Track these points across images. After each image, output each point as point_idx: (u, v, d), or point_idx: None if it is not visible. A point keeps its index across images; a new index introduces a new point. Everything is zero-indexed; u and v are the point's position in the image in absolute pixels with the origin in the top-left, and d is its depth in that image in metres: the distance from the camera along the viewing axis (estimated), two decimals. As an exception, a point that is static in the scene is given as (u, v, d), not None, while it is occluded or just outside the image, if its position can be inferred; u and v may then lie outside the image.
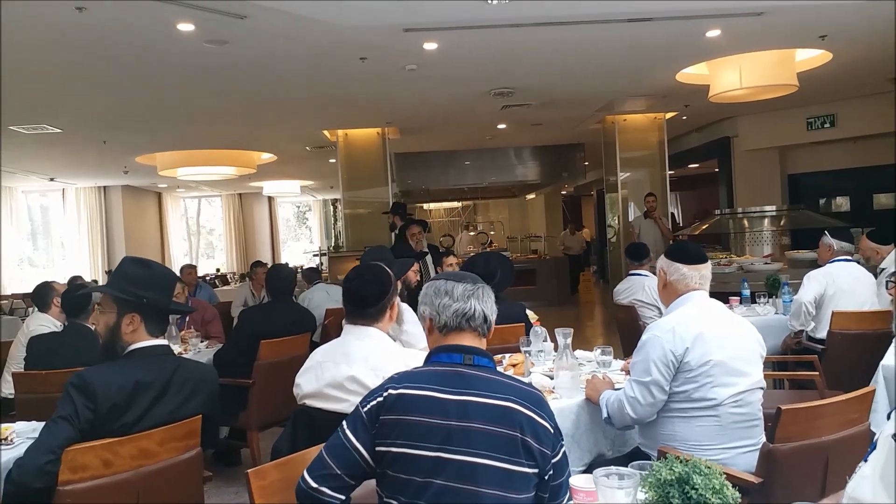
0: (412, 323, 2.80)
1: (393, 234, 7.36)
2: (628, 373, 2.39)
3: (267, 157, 10.21)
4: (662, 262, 2.35)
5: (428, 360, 1.60)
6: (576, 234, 16.16)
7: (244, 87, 5.97)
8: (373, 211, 8.78)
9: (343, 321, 2.23)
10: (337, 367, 2.10)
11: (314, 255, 10.66)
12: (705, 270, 2.30)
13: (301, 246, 19.68)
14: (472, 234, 15.57)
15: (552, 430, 1.48)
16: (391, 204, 8.04)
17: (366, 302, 2.15)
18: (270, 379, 3.64)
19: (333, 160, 9.49)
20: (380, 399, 1.50)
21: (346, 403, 2.03)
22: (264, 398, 3.67)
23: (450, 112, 7.73)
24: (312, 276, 6.09)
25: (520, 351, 3.08)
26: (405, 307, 2.66)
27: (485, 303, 1.62)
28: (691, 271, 2.29)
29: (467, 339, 1.60)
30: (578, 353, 3.06)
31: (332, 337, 2.80)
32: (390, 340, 2.19)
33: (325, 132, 8.59)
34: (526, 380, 2.69)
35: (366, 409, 1.50)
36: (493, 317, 1.64)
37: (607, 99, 7.59)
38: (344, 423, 1.50)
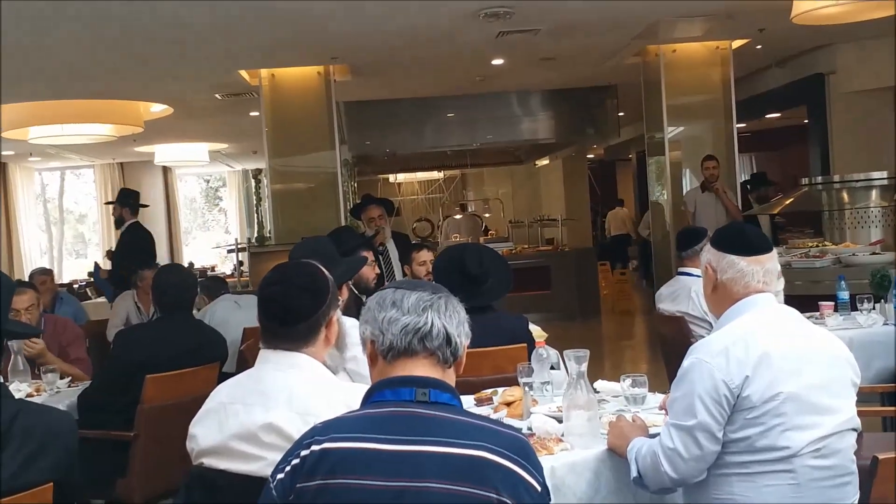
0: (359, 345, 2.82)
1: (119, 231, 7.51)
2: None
3: (159, 109, 10.15)
4: (709, 254, 2.38)
5: (366, 401, 1.63)
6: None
7: (121, 6, 5.93)
8: (315, 186, 8.79)
9: (260, 345, 2.24)
10: (249, 410, 2.10)
11: (230, 251, 10.63)
12: (770, 263, 2.32)
13: (213, 237, 19.63)
14: (458, 217, 15.61)
15: (539, 489, 1.50)
16: (119, 192, 8.14)
17: (291, 317, 2.15)
18: (161, 430, 3.65)
19: (255, 113, 9.45)
20: (295, 462, 1.52)
21: (262, 462, 2.04)
22: (152, 458, 3.67)
23: (422, 42, 7.73)
24: (216, 287, 6.13)
25: (518, 384, 3.11)
26: (350, 324, 2.66)
27: (448, 317, 1.66)
28: (751, 265, 2.31)
29: (421, 368, 1.63)
30: (600, 384, 3.09)
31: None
32: (327, 373, 2.20)
33: (243, 73, 8.54)
34: (523, 422, 2.72)
35: (276, 480, 1.53)
36: (461, 339, 1.68)
37: (649, 20, 7.62)
38: None
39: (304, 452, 1.52)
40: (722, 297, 2.35)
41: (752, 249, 2.32)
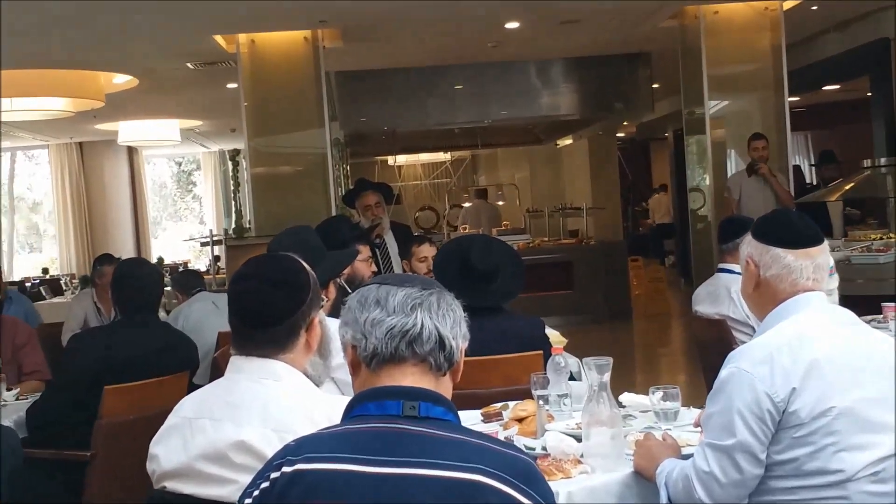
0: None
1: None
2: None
3: (122, 81, 10.17)
4: (750, 247, 2.37)
5: (346, 416, 1.63)
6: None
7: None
8: (302, 169, 8.80)
9: (231, 351, 2.24)
10: (217, 427, 2.11)
11: (204, 244, 10.64)
12: (821, 257, 2.32)
13: (185, 229, 19.70)
14: (468, 205, 15.61)
15: None
16: None
17: (266, 318, 2.16)
18: (121, 449, 3.65)
19: (233, 85, 9.46)
20: (265, 485, 1.52)
21: (232, 486, 2.05)
22: (111, 481, 3.67)
23: (426, 1, 7.71)
24: (190, 282, 6.12)
25: (532, 397, 3.10)
26: (337, 327, 2.65)
27: (440, 317, 1.65)
28: (799, 260, 2.30)
29: (411, 377, 1.63)
30: (626, 397, 3.09)
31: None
32: (308, 383, 2.21)
33: (219, 38, 8.55)
34: (536, 441, 2.72)
35: None
36: (457, 341, 1.67)
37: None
38: None
39: (274, 475, 1.52)
40: (765, 296, 2.34)
41: (800, 241, 2.32)
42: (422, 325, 1.63)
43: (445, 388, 1.67)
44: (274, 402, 2.09)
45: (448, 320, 1.66)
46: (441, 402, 1.60)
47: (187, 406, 2.20)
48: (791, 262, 2.31)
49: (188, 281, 6.23)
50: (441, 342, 1.64)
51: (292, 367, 2.17)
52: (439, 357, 1.64)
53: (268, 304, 2.15)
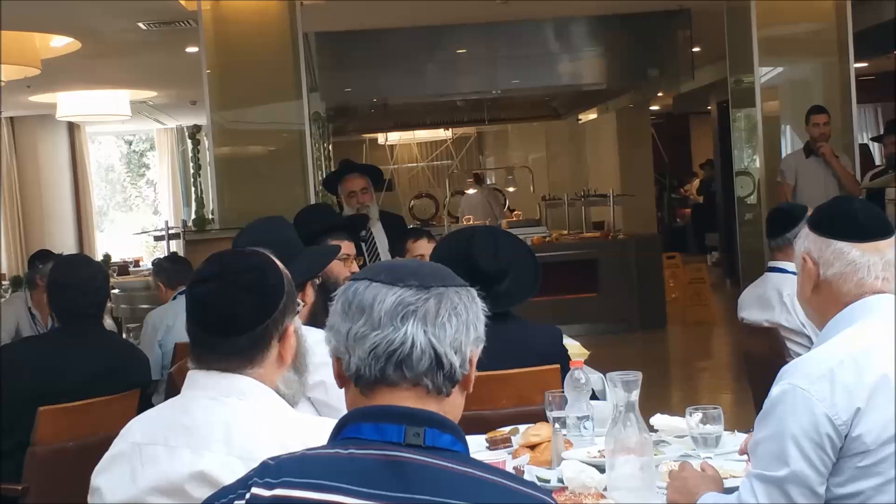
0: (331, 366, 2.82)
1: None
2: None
3: (61, 44, 10.17)
4: (808, 241, 2.38)
5: (335, 436, 1.62)
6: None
7: None
8: (275, 149, 8.81)
9: (188, 365, 2.25)
10: (172, 455, 2.11)
11: (159, 238, 10.65)
12: (890, 252, 2.33)
13: (137, 220, 19.70)
14: (472, 192, 15.61)
15: None
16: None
17: (231, 326, 2.16)
18: (59, 481, 3.66)
19: (193, 49, 9.46)
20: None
21: (190, 525, 2.05)
22: (48, 518, 3.68)
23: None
24: (181, 274, 5.83)
25: (546, 419, 3.10)
26: (316, 338, 2.66)
27: (439, 328, 1.62)
28: (867, 255, 2.31)
29: (406, 401, 1.62)
30: (659, 420, 3.09)
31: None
32: (280, 403, 2.21)
33: (176, -7, 8.57)
34: (551, 472, 2.72)
35: None
36: (463, 351, 1.64)
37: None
38: None
39: (245, 496, 1.52)
40: (826, 299, 2.35)
41: (865, 233, 2.32)
42: (412, 341, 1.60)
43: (452, 405, 1.66)
44: (238, 425, 2.09)
45: (449, 329, 1.62)
46: (448, 429, 1.59)
47: (136, 430, 2.20)
48: (857, 259, 2.31)
49: (178, 271, 5.92)
50: (438, 361, 1.61)
51: (261, 383, 2.17)
52: (437, 378, 1.62)
53: (233, 309, 2.15)
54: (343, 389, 1.72)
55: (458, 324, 1.64)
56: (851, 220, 2.35)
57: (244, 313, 2.16)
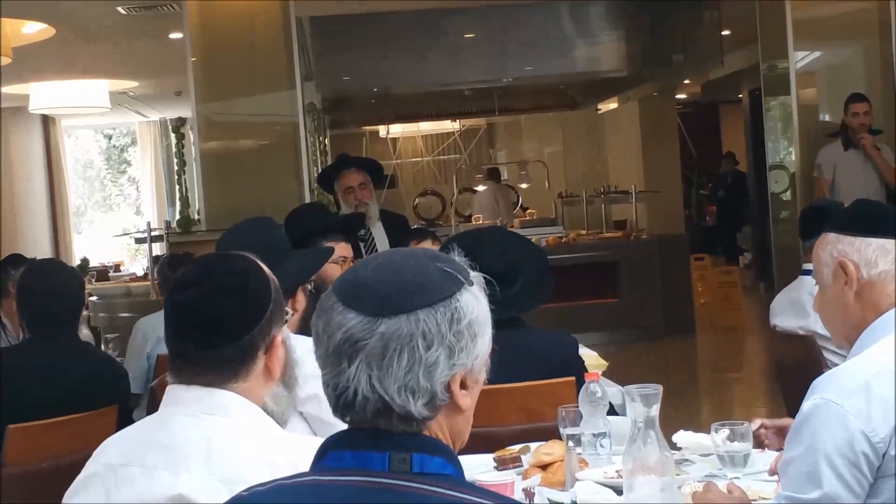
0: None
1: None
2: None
3: (34, 30, 10.18)
4: (840, 244, 2.39)
5: (317, 462, 1.62)
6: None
7: None
8: (267, 143, 8.81)
9: (168, 379, 2.26)
10: (149, 476, 2.12)
11: (140, 241, 10.66)
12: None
13: (118, 221, 19.72)
14: (481, 189, 15.60)
15: None
16: None
17: (213, 336, 2.17)
18: (32, 502, 3.66)
19: (177, 35, 9.47)
20: None
21: (167, 554, 2.06)
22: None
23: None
24: (172, 265, 5.85)
25: (559, 436, 3.10)
26: (306, 347, 2.66)
27: (382, 372, 1.54)
28: (904, 258, 2.34)
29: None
30: (682, 437, 3.09)
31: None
32: (267, 421, 2.22)
33: (158, -27, 8.59)
34: (564, 494, 2.73)
35: None
36: (422, 396, 1.56)
37: None
38: None
39: None
40: (865, 306, 2.36)
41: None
42: (354, 389, 1.55)
43: (442, 426, 1.63)
44: (221, 445, 2.10)
45: (397, 370, 1.53)
46: (438, 451, 1.57)
47: (111, 449, 2.21)
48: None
49: (169, 266, 5.92)
50: (385, 407, 1.55)
51: (247, 399, 2.18)
52: (391, 420, 1.56)
53: (216, 317, 2.17)
54: None
55: (413, 360, 1.55)
56: (884, 216, 2.37)
57: (228, 322, 2.17)
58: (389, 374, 1.54)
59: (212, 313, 2.17)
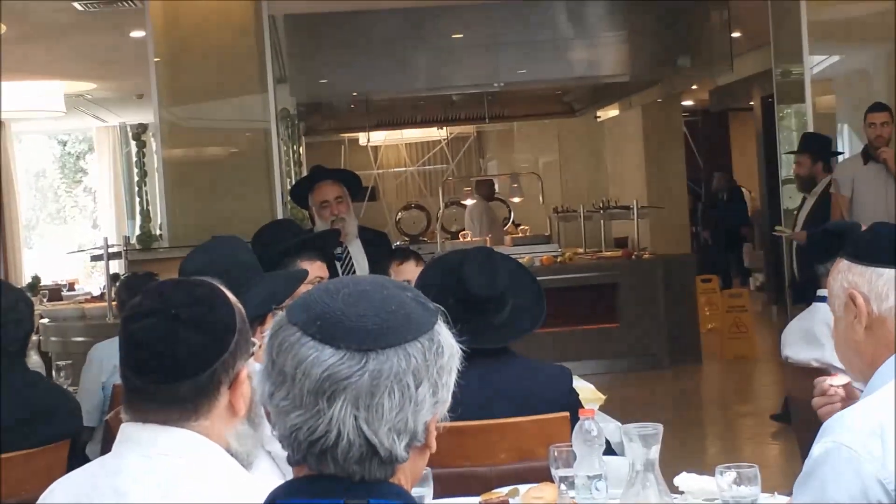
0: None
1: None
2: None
3: (-16, 26, 10.18)
4: (850, 275, 2.41)
5: None
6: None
7: None
8: (236, 151, 8.83)
9: (122, 416, 2.25)
10: (99, 523, 2.11)
11: (96, 258, 10.64)
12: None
13: (73, 235, 19.66)
14: (471, 202, 15.61)
15: None
16: None
17: (171, 371, 2.17)
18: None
19: (139, 33, 9.48)
20: None
21: None
22: None
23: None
24: (130, 288, 5.90)
25: (551, 478, 3.10)
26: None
27: (371, 413, 1.58)
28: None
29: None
30: (684, 480, 3.09)
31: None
32: (231, 463, 2.22)
33: (118, -33, 8.59)
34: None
35: None
36: (406, 437, 1.60)
37: None
38: None
39: None
40: (878, 341, 2.36)
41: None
42: (338, 431, 1.57)
43: (405, 471, 1.66)
44: (179, 489, 2.09)
45: (389, 409, 1.58)
46: (399, 498, 1.60)
47: (58, 494, 2.20)
48: (910, 290, 2.33)
49: (140, 287, 6.01)
50: (371, 450, 1.58)
51: (207, 438, 2.17)
52: (371, 466, 1.59)
53: (174, 350, 2.15)
54: None
55: (404, 398, 1.59)
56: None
57: (187, 356, 2.16)
58: (379, 415, 1.57)
59: (169, 347, 2.15)
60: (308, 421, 1.58)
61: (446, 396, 1.64)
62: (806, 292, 8.67)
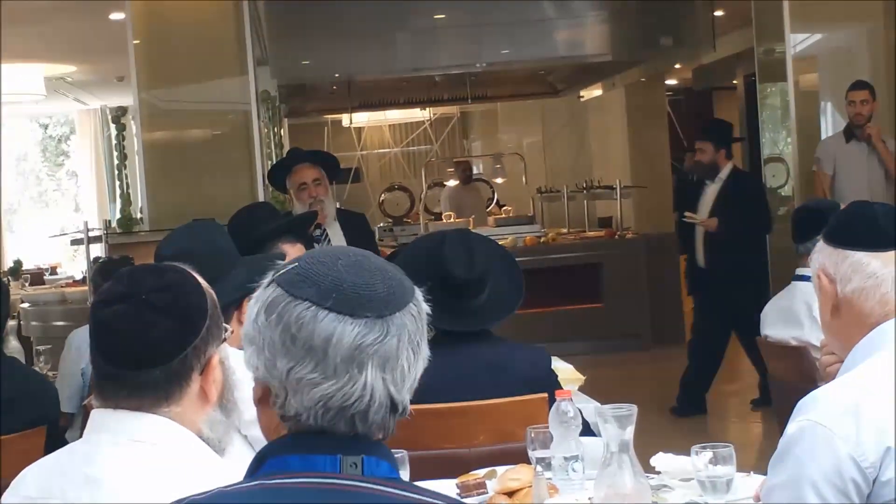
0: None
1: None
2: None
3: (-39, 9, 10.12)
4: (822, 254, 2.41)
5: (254, 471, 1.66)
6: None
7: None
8: (218, 134, 8.79)
9: (92, 402, 2.26)
10: (70, 510, 2.10)
11: (76, 242, 10.60)
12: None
13: (54, 218, 19.61)
14: (455, 184, 15.59)
15: None
16: None
17: (142, 356, 2.17)
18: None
19: (119, 15, 9.43)
20: None
21: None
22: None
23: None
24: (104, 272, 5.88)
25: (528, 461, 3.11)
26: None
27: (396, 374, 1.66)
28: (888, 267, 2.33)
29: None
30: (661, 460, 3.10)
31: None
32: (202, 449, 2.22)
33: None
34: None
35: None
36: (412, 384, 1.69)
37: None
38: None
39: None
40: (848, 322, 2.37)
41: (886, 240, 2.34)
42: (371, 392, 1.64)
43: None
44: (151, 476, 2.08)
45: (407, 369, 1.68)
46: (386, 457, 1.66)
47: (30, 482, 2.19)
48: (878, 271, 2.33)
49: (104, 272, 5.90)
50: (393, 407, 1.67)
51: (179, 424, 2.17)
52: (388, 423, 1.67)
53: (145, 336, 2.15)
54: (258, 411, 1.77)
55: (416, 357, 1.69)
56: (869, 225, 2.37)
57: (158, 341, 2.16)
58: (401, 375, 1.67)
59: (139, 333, 2.15)
60: (342, 388, 1.63)
61: (428, 352, 1.73)
62: (699, 284, 8.80)
